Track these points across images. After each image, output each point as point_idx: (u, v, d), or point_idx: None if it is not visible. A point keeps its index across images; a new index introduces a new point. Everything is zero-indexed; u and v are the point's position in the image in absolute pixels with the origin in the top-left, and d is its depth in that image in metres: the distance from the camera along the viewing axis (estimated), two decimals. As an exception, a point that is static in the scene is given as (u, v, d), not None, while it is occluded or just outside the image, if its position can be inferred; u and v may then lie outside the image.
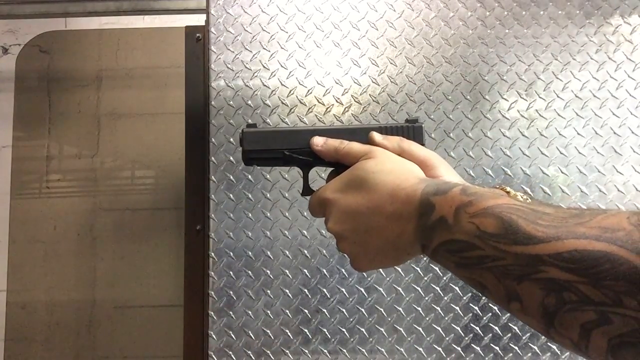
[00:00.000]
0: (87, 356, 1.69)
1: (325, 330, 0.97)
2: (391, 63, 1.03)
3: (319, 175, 0.96)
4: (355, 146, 0.57)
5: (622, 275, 0.33)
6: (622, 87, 1.02)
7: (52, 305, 1.71)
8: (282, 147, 0.62)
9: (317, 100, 1.02)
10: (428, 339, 0.96)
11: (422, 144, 0.59)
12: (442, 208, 0.44)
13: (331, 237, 0.98)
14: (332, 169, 0.60)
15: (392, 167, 0.52)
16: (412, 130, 0.61)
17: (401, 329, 0.96)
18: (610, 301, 0.33)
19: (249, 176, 1.00)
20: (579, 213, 0.38)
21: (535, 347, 0.96)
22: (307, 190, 0.63)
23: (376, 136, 0.58)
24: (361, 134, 0.59)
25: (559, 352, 0.95)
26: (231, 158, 1.00)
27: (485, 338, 0.96)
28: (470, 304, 0.97)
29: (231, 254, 0.98)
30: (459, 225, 0.42)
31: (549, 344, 0.96)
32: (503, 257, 0.38)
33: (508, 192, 0.45)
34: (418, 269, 0.97)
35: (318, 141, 0.60)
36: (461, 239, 0.41)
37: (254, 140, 0.63)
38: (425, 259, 0.97)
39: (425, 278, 0.97)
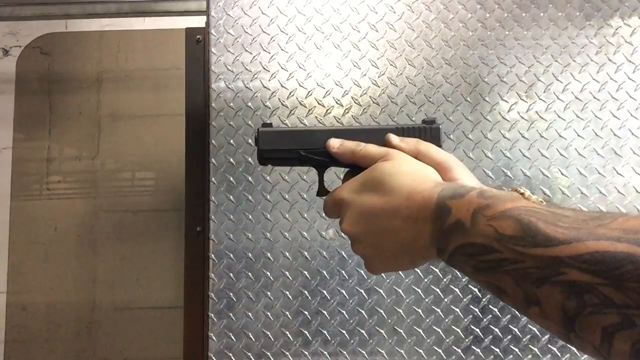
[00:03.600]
0: (87, 358, 1.69)
1: (325, 332, 0.97)
2: (391, 65, 1.03)
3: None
4: (372, 148, 0.57)
5: None
6: (622, 89, 1.02)
7: (52, 306, 1.71)
8: (297, 148, 0.61)
9: (317, 102, 1.02)
10: (428, 340, 0.96)
11: (440, 146, 0.58)
12: (459, 211, 0.43)
13: (332, 239, 0.98)
14: (347, 170, 0.60)
15: (409, 170, 0.52)
16: (429, 132, 0.60)
17: (401, 331, 0.96)
18: (634, 303, 0.32)
19: (249, 178, 1.00)
20: (599, 215, 0.37)
21: (536, 349, 0.95)
22: (322, 191, 0.62)
23: (393, 138, 0.57)
24: (378, 135, 0.59)
25: (559, 354, 0.95)
26: (231, 160, 1.00)
27: (486, 340, 0.96)
28: (471, 306, 0.97)
29: (231, 255, 0.98)
30: (477, 228, 0.41)
31: (549, 345, 0.96)
32: (522, 259, 0.38)
33: (522, 194, 0.44)
34: (418, 270, 0.97)
35: (334, 143, 0.59)
36: (479, 242, 0.41)
37: (269, 140, 0.62)
38: (425, 260, 0.97)
39: (426, 280, 0.97)
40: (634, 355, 0.33)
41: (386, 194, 0.50)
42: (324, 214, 0.59)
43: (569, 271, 0.35)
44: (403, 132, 0.59)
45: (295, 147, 0.61)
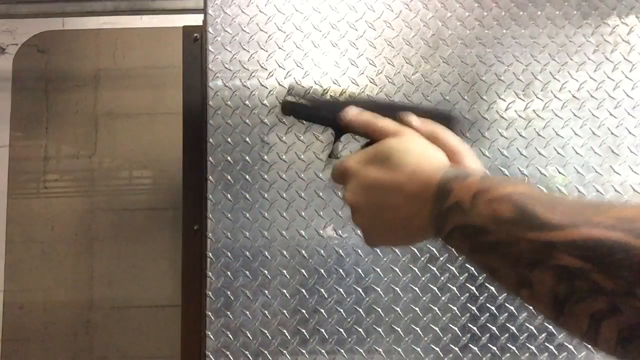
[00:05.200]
0: (85, 356, 1.69)
1: (322, 330, 0.97)
2: (389, 63, 1.03)
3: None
4: (387, 123, 0.57)
5: (636, 266, 0.32)
6: (619, 88, 1.02)
7: (50, 305, 1.71)
8: (323, 107, 0.62)
9: (315, 100, 1.01)
10: (425, 339, 0.96)
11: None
12: (460, 193, 0.44)
13: (329, 237, 0.98)
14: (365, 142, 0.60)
15: (418, 150, 0.52)
16: (450, 120, 0.60)
17: (399, 329, 0.96)
18: (623, 291, 0.32)
19: (247, 176, 1.00)
20: (597, 204, 0.38)
21: (533, 347, 0.96)
22: (333, 154, 0.63)
23: (413, 118, 0.57)
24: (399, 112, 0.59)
25: (556, 352, 0.95)
26: (229, 158, 1.00)
27: (483, 338, 0.96)
28: (468, 304, 0.97)
29: (229, 254, 0.98)
30: (475, 210, 0.42)
31: (546, 344, 0.96)
32: (517, 243, 0.38)
33: None
34: (416, 269, 0.97)
35: (353, 111, 0.59)
36: (476, 223, 0.41)
37: (299, 94, 0.63)
38: (423, 259, 0.97)
39: (423, 278, 0.97)
40: (620, 343, 0.33)
41: (391, 169, 0.50)
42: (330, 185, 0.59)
43: (561, 256, 0.35)
44: (424, 114, 0.59)
45: (320, 106, 0.62)
